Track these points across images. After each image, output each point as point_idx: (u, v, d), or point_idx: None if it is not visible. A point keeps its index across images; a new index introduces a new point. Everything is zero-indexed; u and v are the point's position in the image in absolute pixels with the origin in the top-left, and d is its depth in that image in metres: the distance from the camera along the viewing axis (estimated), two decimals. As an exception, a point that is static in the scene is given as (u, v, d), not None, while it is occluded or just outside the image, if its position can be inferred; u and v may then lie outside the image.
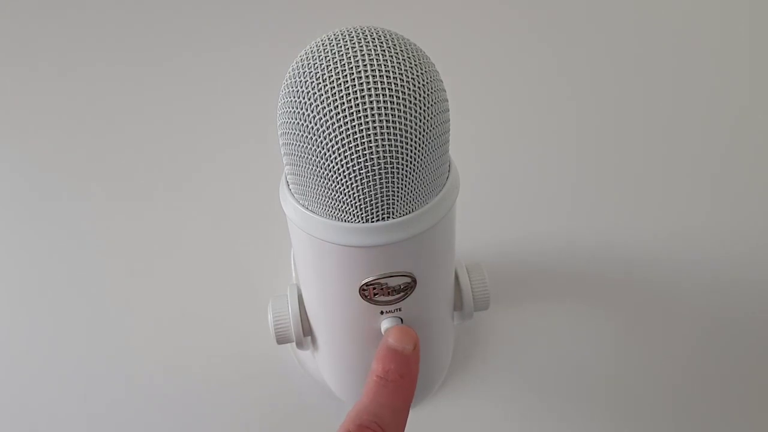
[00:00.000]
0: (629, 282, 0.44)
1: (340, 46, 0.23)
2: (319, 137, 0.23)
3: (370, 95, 0.23)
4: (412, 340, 0.27)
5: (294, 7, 0.59)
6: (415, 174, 0.24)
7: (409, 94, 0.23)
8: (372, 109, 0.23)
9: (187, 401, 0.40)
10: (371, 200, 0.24)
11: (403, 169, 0.24)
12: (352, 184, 0.24)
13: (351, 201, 0.24)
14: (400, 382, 0.26)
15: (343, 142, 0.23)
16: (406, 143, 0.23)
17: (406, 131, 0.23)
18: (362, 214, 0.25)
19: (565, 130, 0.52)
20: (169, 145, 0.52)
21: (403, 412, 0.26)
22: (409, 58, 0.24)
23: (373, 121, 0.23)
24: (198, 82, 0.56)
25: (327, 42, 0.24)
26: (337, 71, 0.23)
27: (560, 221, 0.47)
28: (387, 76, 0.23)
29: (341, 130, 0.23)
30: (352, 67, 0.23)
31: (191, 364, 0.41)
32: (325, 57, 0.23)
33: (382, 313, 0.29)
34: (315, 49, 0.24)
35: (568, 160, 0.50)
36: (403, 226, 0.25)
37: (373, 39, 0.23)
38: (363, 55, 0.23)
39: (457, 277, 0.34)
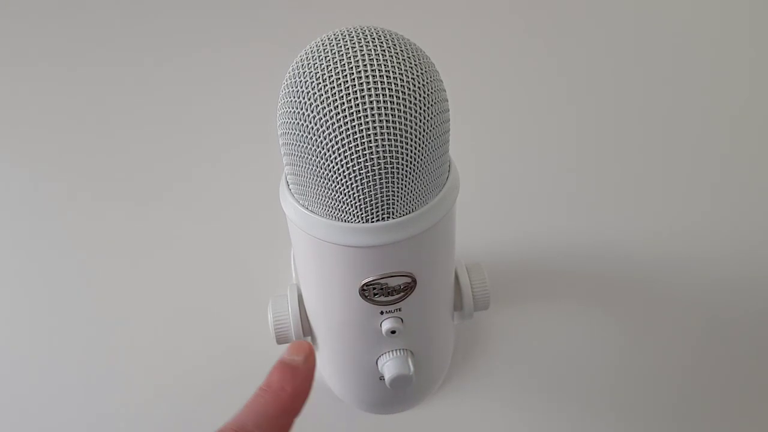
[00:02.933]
0: (629, 281, 0.44)
1: (340, 46, 0.23)
2: (319, 137, 0.23)
3: (370, 95, 0.23)
4: (303, 352, 0.27)
5: (294, 7, 0.59)
6: (415, 174, 0.24)
7: (409, 95, 0.23)
8: (372, 109, 0.23)
9: (187, 401, 0.40)
10: (371, 200, 0.24)
11: (403, 170, 0.24)
12: (352, 184, 0.24)
13: (351, 201, 0.24)
14: (280, 393, 0.25)
15: (343, 143, 0.23)
16: (406, 143, 0.23)
17: (406, 131, 0.23)
18: (362, 214, 0.25)
19: (565, 130, 0.52)
20: (168, 146, 0.52)
21: (277, 419, 0.25)
22: (409, 58, 0.24)
23: (373, 121, 0.23)
24: (198, 83, 0.56)
25: (327, 42, 0.24)
26: (337, 71, 0.23)
27: (560, 221, 0.47)
28: (387, 76, 0.23)
29: (341, 130, 0.23)
30: (352, 67, 0.23)
31: (191, 363, 0.41)
32: (325, 57, 0.23)
33: (382, 313, 0.29)
34: (315, 49, 0.24)
35: (568, 160, 0.51)
36: (403, 226, 0.25)
37: (373, 39, 0.23)
38: (363, 55, 0.23)
39: (457, 277, 0.34)
